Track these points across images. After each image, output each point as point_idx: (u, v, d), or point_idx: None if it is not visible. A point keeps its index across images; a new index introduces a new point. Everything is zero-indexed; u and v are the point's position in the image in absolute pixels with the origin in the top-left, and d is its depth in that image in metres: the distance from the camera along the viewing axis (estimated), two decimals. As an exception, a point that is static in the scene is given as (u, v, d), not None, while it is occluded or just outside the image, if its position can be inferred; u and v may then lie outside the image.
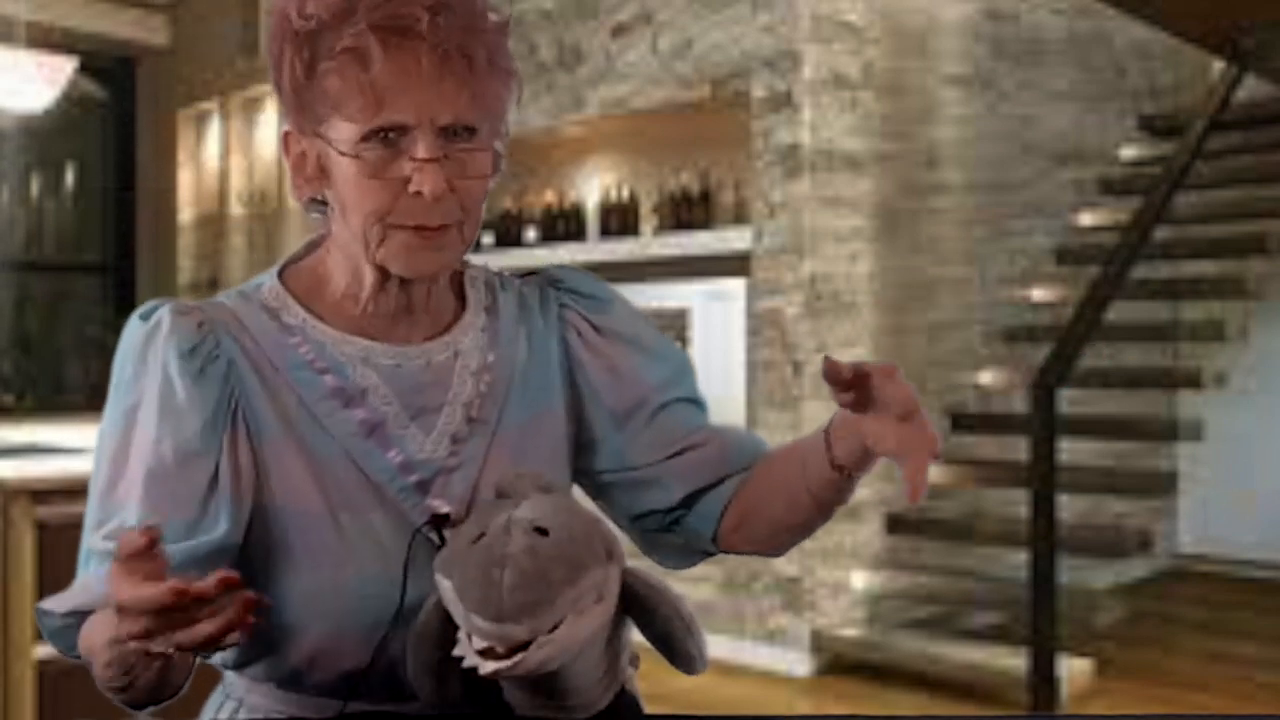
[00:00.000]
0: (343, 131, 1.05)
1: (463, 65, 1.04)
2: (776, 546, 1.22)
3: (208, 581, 0.83)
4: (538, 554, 0.92)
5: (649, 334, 1.24)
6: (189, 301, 1.13)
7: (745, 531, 1.19)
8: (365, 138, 1.04)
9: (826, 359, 0.98)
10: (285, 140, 1.11)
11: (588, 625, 0.94)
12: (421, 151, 1.03)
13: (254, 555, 1.06)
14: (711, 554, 1.24)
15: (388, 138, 1.04)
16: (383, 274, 1.10)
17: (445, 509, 1.07)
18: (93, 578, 1.03)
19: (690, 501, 1.19)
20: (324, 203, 1.11)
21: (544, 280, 1.25)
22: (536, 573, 0.91)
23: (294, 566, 1.06)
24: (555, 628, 0.91)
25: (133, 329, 1.10)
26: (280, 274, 1.17)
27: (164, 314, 1.09)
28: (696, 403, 1.24)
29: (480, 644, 0.93)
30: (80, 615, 1.03)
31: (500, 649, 0.92)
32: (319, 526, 1.06)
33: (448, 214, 1.06)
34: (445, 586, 0.94)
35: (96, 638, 0.98)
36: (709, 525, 1.19)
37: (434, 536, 1.06)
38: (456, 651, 0.94)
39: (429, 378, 1.14)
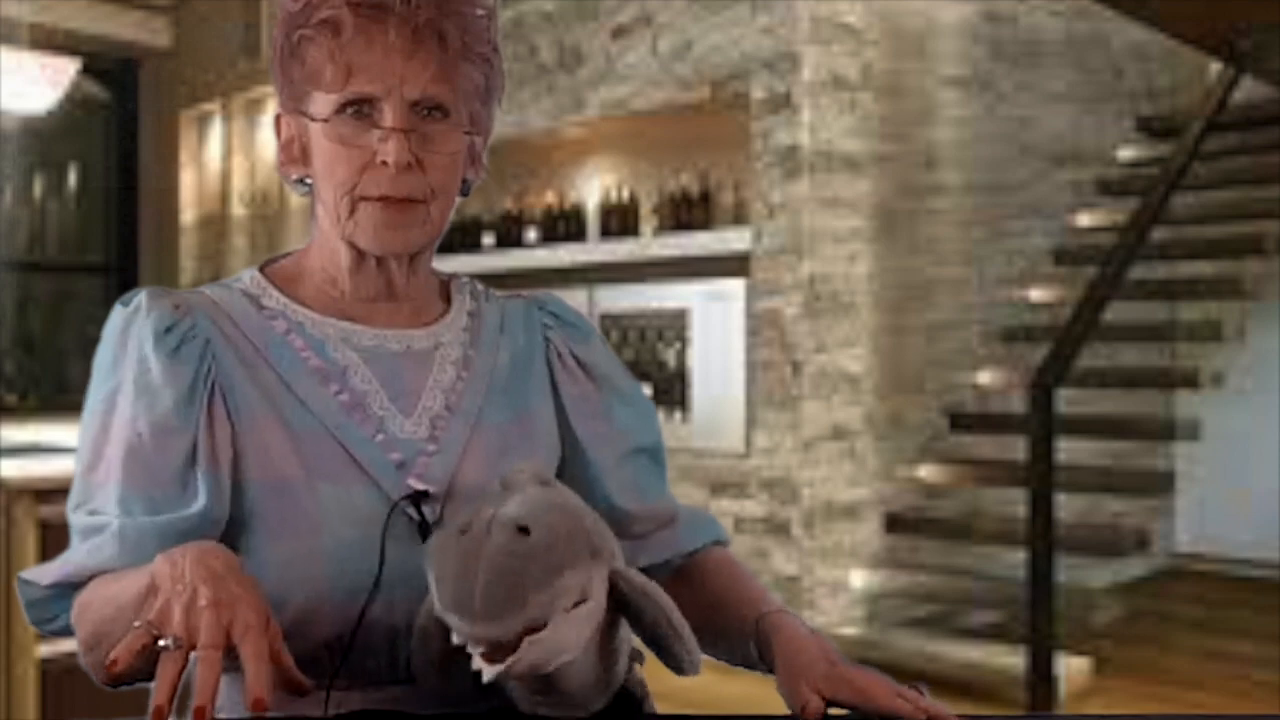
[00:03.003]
0: (319, 104, 1.09)
1: (434, 42, 1.08)
2: None
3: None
4: (514, 554, 0.91)
5: (621, 376, 1.27)
6: (167, 289, 1.16)
7: None
8: (338, 110, 1.08)
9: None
10: (277, 122, 1.16)
11: (577, 626, 0.94)
12: (388, 121, 1.07)
13: (232, 531, 1.07)
14: None
15: (359, 110, 1.08)
16: (357, 251, 1.13)
17: (425, 486, 1.09)
18: (76, 552, 1.07)
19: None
20: (310, 184, 1.16)
21: (528, 301, 1.28)
22: (511, 573, 0.90)
23: (272, 535, 1.06)
24: (542, 628, 0.91)
25: (114, 316, 1.13)
26: (261, 270, 1.20)
27: (141, 298, 1.12)
28: (657, 456, 1.26)
29: (459, 641, 0.93)
30: (63, 588, 1.06)
31: (481, 648, 0.92)
32: (297, 495, 1.07)
33: (413, 188, 1.09)
34: (431, 580, 0.94)
35: (98, 610, 1.02)
36: None
37: (412, 512, 1.08)
38: (466, 649, 0.94)
39: (409, 362, 1.16)
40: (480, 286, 1.28)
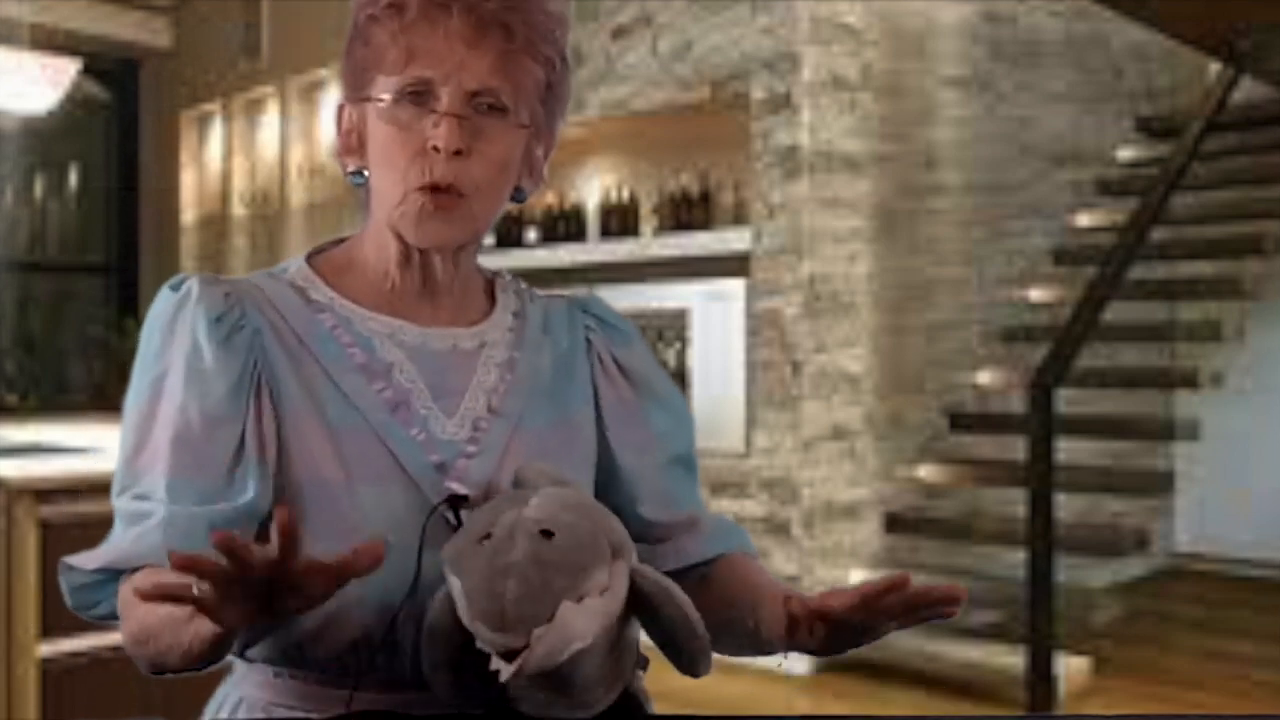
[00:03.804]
0: (380, 87, 1.09)
1: (498, 34, 1.07)
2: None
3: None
4: (542, 562, 0.91)
5: (661, 380, 1.26)
6: (216, 276, 1.15)
7: None
8: (398, 94, 1.08)
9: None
10: (339, 112, 1.16)
11: (587, 616, 0.93)
12: (443, 106, 1.07)
13: (270, 525, 1.05)
14: None
15: (418, 97, 1.07)
16: (403, 245, 1.13)
17: (464, 491, 1.08)
18: (122, 538, 1.05)
19: None
20: (365, 176, 1.15)
21: (571, 302, 1.27)
22: (540, 583, 0.90)
23: (309, 535, 1.04)
24: (551, 618, 0.91)
25: (162, 300, 1.12)
26: (308, 259, 1.19)
27: (193, 284, 1.11)
28: (690, 464, 1.26)
29: (484, 648, 0.93)
30: (108, 573, 1.05)
31: (501, 655, 0.92)
32: (337, 496, 1.06)
33: (459, 175, 1.08)
34: (454, 585, 0.94)
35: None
36: None
37: (450, 516, 1.07)
38: (484, 655, 0.94)
39: (454, 361, 1.15)
40: (524, 285, 1.27)
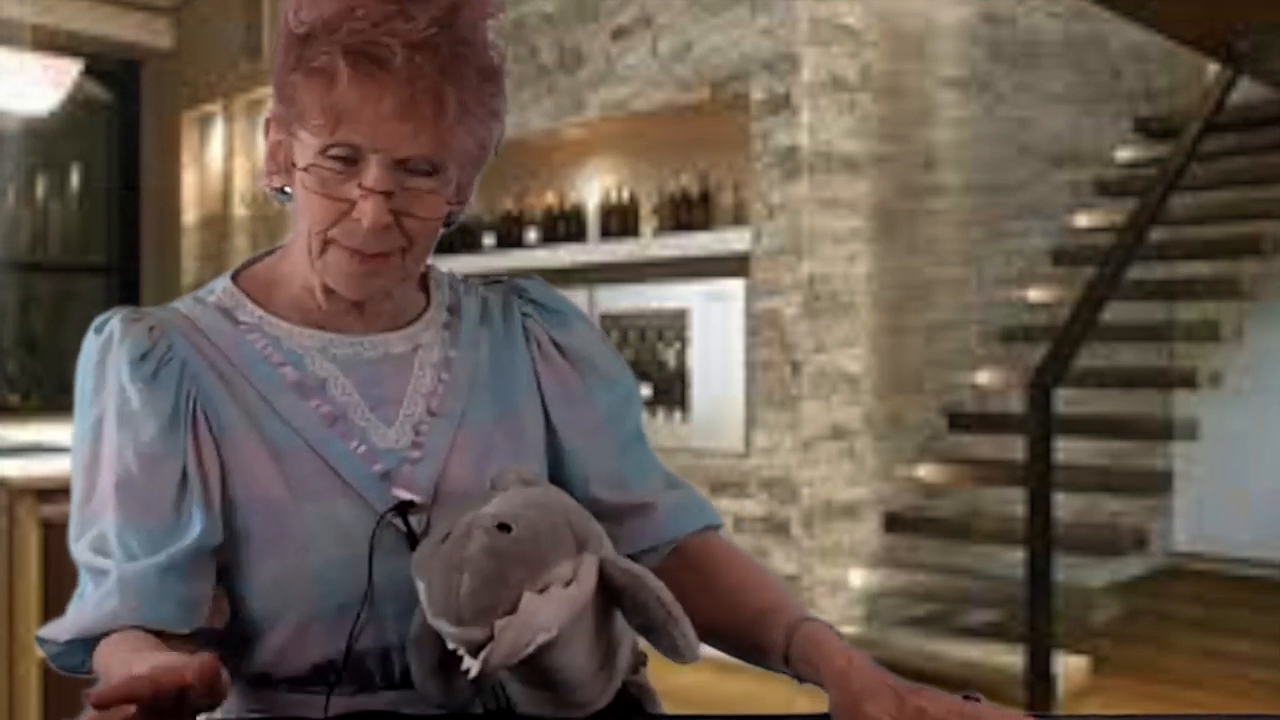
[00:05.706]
0: (304, 142, 1.06)
1: (431, 108, 1.02)
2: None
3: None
4: (497, 554, 0.91)
5: (604, 357, 1.24)
6: (140, 309, 1.14)
7: None
8: (323, 152, 1.04)
9: None
10: (267, 125, 1.12)
11: (553, 605, 0.92)
12: (370, 180, 1.03)
13: (223, 549, 1.07)
14: None
15: (344, 158, 1.04)
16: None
17: (410, 496, 1.08)
18: (85, 604, 1.06)
19: None
20: (290, 194, 1.13)
21: (508, 289, 1.25)
22: (495, 574, 0.90)
23: (259, 556, 1.06)
24: (512, 609, 0.91)
25: (88, 343, 1.10)
26: (234, 278, 1.18)
27: (114, 324, 1.10)
28: (640, 439, 1.24)
29: (453, 647, 0.93)
30: (81, 641, 1.05)
31: (467, 650, 0.92)
32: (282, 515, 1.06)
33: (388, 243, 1.06)
34: (420, 588, 0.94)
35: (115, 667, 1.00)
36: None
37: (398, 523, 1.07)
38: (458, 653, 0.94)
39: (388, 368, 1.14)
40: (459, 278, 1.26)
